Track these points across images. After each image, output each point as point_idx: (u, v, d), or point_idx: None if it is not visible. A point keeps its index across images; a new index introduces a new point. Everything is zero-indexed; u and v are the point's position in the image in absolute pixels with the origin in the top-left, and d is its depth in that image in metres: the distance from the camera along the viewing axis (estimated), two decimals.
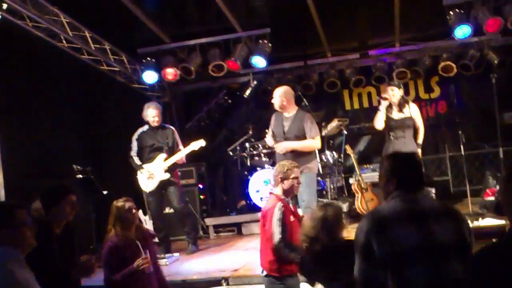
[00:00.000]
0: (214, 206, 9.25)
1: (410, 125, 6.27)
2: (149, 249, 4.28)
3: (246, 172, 8.43)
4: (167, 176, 6.57)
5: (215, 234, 8.09)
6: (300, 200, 5.65)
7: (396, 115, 6.27)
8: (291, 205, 4.32)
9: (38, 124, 6.56)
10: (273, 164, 8.28)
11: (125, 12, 6.96)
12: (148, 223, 6.92)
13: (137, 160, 6.64)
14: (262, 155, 8.43)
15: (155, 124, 6.69)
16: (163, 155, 6.59)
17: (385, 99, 6.25)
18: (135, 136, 6.72)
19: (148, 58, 8.12)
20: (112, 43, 7.72)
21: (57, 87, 7.20)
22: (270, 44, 7.94)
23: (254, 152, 8.52)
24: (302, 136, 5.89)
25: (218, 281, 5.21)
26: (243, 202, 8.53)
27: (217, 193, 9.56)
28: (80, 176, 6.23)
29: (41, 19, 6.39)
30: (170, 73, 8.05)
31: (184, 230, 6.97)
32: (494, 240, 2.30)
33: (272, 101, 6.06)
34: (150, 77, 8.11)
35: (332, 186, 8.51)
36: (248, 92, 8.97)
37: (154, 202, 6.68)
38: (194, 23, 8.09)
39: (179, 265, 6.16)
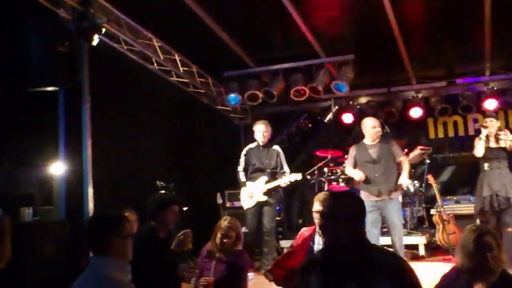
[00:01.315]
0: (290, 228, 9.08)
1: (505, 156, 6.07)
2: (225, 274, 4.21)
3: None
4: (265, 198, 6.58)
5: None
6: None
7: (492, 145, 6.07)
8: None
9: (128, 141, 6.75)
10: (352, 190, 8.06)
11: (213, 36, 7.06)
12: None
13: (242, 176, 6.73)
14: (340, 180, 8.21)
15: (262, 139, 6.73)
16: (264, 178, 6.60)
17: (485, 127, 6.09)
18: (244, 152, 6.83)
19: (233, 81, 8.18)
20: (199, 66, 7.89)
21: (150, 105, 7.39)
22: (353, 70, 7.74)
23: (332, 177, 8.30)
24: (391, 160, 6.14)
25: None
26: None
27: (293, 216, 9.41)
28: (163, 192, 6.33)
29: (135, 43, 6.64)
30: (252, 97, 8.07)
31: (263, 249, 6.84)
32: None
33: (372, 130, 6.13)
34: (233, 99, 8.17)
35: (412, 216, 8.12)
36: (328, 117, 8.82)
37: (250, 220, 6.73)
38: (278, 48, 8.07)
39: (253, 285, 6.04)
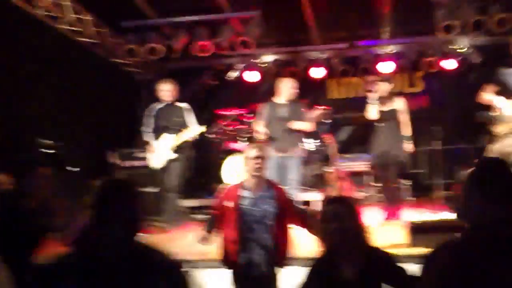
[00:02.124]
0: (189, 188, 8.73)
1: (395, 117, 6.23)
2: None
3: (222, 156, 7.93)
4: (174, 155, 6.30)
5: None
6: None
7: (383, 107, 6.20)
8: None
9: (10, 94, 5.86)
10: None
11: None
12: None
13: (147, 136, 6.39)
14: (241, 139, 7.94)
15: (167, 99, 6.36)
16: (172, 135, 6.29)
17: (371, 91, 6.21)
18: (149, 111, 6.46)
19: (131, 33, 7.39)
20: (94, 14, 7.03)
21: (36, 56, 6.44)
22: (259, 28, 7.36)
23: (234, 135, 8.01)
24: (299, 120, 6.20)
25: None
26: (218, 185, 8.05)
27: (196, 176, 9.02)
28: (47, 151, 5.57)
29: None
30: (153, 50, 7.40)
31: (164, 207, 6.47)
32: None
33: (290, 90, 6.17)
34: (133, 52, 7.41)
35: (309, 174, 8.13)
36: (234, 74, 8.42)
37: (161, 179, 6.41)
38: None
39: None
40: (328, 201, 2.64)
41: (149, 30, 7.41)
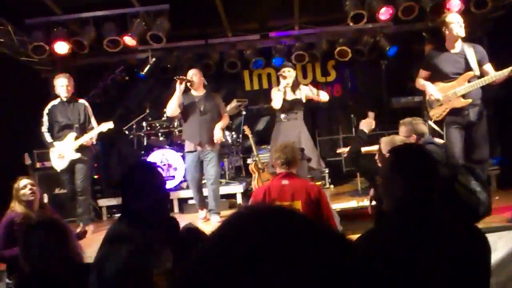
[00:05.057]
0: (108, 186, 9.01)
1: (301, 107, 6.38)
2: None
3: (142, 152, 8.28)
4: (78, 155, 6.29)
5: (108, 216, 7.83)
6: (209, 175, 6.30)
7: (289, 96, 6.29)
8: None
9: None
10: (170, 144, 8.23)
11: None
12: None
13: (47, 137, 6.32)
14: (160, 134, 8.29)
15: (65, 94, 6.31)
16: (73, 134, 6.28)
17: (284, 77, 6.25)
18: (46, 110, 6.35)
19: (37, 30, 7.59)
20: None
21: None
22: (169, 21, 7.72)
23: (152, 131, 8.35)
24: (216, 113, 6.39)
25: None
26: None
27: (112, 173, 9.30)
28: None
29: None
30: (61, 46, 7.66)
31: (77, 210, 6.56)
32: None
33: (193, 79, 6.32)
34: (39, 50, 7.63)
35: (230, 166, 8.64)
36: (146, 69, 8.76)
37: (68, 181, 6.45)
38: None
39: None
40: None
41: (55, 27, 7.65)
